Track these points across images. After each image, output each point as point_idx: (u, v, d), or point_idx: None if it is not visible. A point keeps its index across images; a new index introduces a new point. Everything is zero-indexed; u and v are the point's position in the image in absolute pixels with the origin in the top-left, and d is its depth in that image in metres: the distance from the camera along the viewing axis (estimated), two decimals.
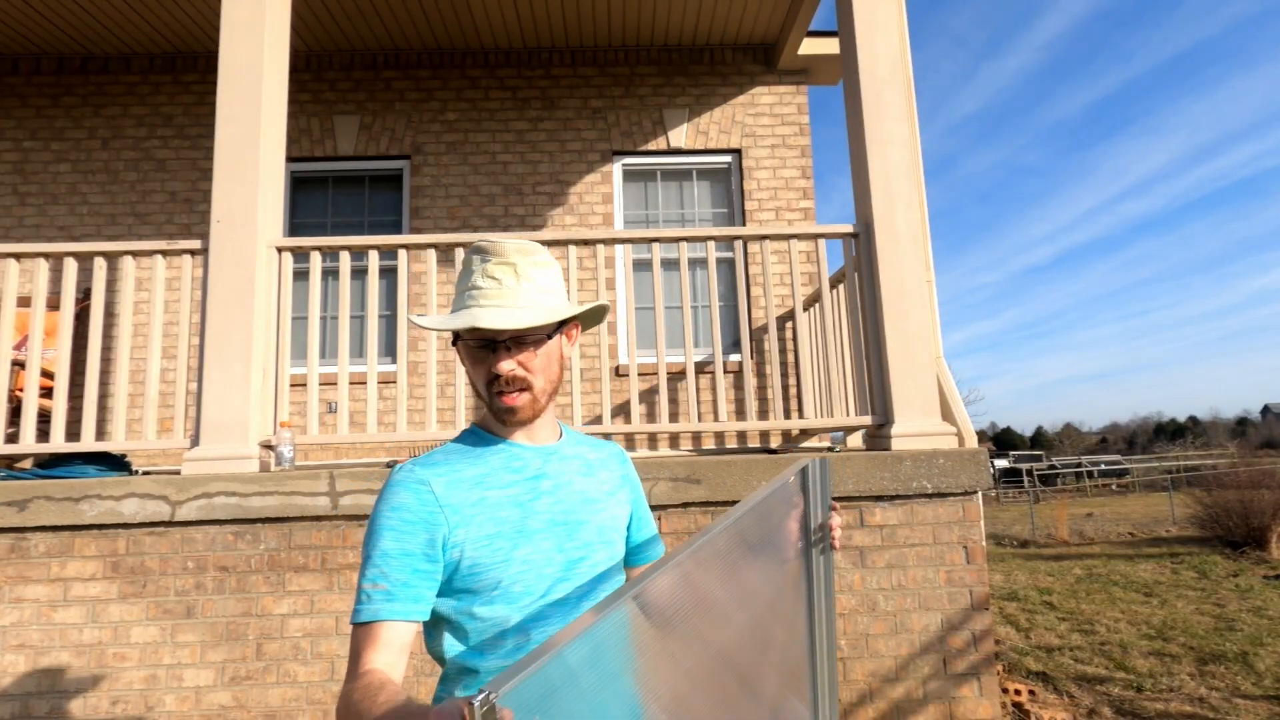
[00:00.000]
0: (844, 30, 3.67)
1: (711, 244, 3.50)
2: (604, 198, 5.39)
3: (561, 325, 1.09)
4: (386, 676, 0.90)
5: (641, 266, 5.36)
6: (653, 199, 5.56)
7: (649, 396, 5.07)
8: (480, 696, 0.59)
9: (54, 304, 4.51)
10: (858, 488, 2.99)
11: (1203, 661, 4.82)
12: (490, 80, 5.47)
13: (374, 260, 3.32)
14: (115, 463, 3.34)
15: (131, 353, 4.43)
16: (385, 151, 5.35)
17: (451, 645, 1.02)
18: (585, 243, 3.42)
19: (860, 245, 3.49)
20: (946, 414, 3.70)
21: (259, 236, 3.23)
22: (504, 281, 1.02)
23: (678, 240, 3.44)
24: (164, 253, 3.27)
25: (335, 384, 4.52)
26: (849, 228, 3.50)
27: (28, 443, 3.10)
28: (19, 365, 3.78)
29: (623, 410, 5.08)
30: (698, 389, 4.77)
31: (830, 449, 4.15)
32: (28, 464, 3.87)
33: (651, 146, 5.46)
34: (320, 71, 5.40)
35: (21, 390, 3.68)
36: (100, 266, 3.26)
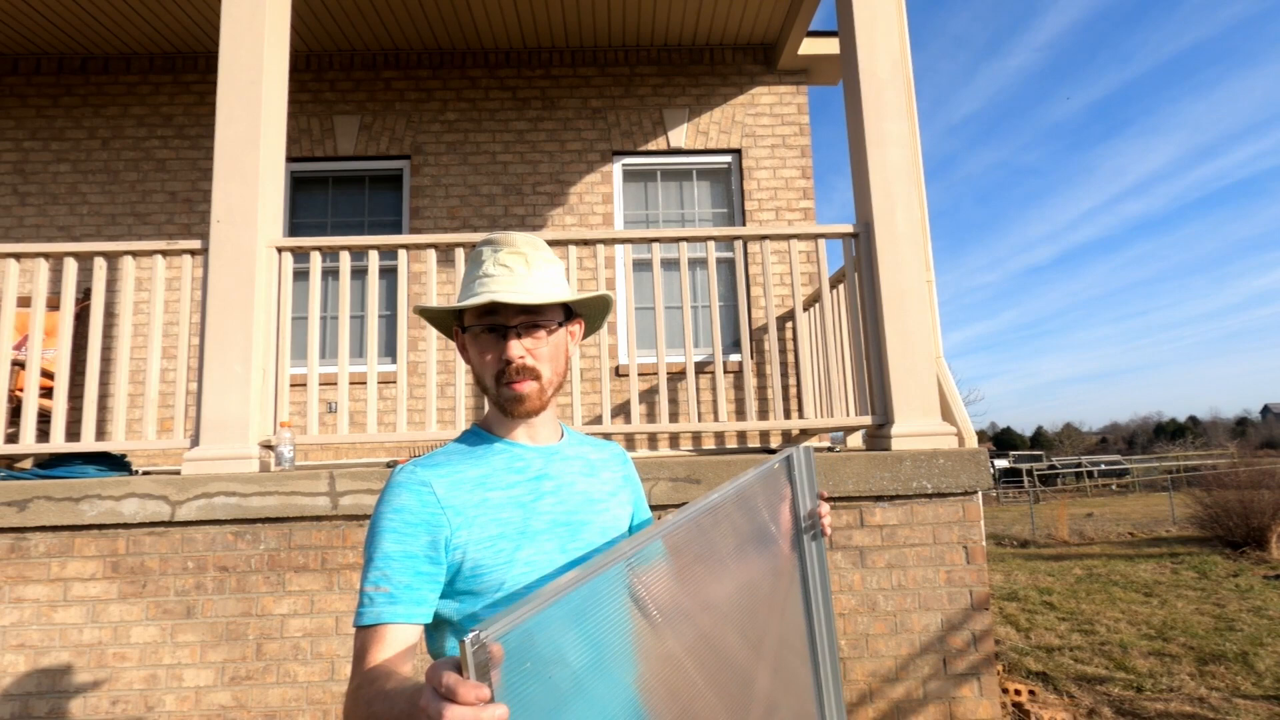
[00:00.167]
0: (844, 30, 3.67)
1: (711, 244, 3.50)
2: (604, 198, 5.39)
3: (568, 319, 1.11)
4: (392, 669, 0.90)
5: (641, 266, 5.36)
6: (653, 199, 5.56)
7: (649, 396, 5.07)
8: (472, 635, 0.60)
9: (54, 304, 4.51)
10: (858, 488, 2.99)
11: (1203, 661, 4.82)
12: (490, 80, 5.47)
13: (374, 260, 3.32)
14: (115, 463, 3.34)
15: (131, 353, 4.43)
16: (385, 151, 5.35)
17: (454, 647, 1.01)
18: (585, 243, 3.42)
19: (860, 245, 3.49)
20: (946, 414, 3.70)
21: (259, 236, 3.23)
22: (515, 269, 1.04)
23: (678, 240, 3.45)
24: (164, 253, 3.27)
25: (335, 384, 4.52)
26: (849, 228, 3.50)
27: (28, 443, 3.10)
28: (19, 365, 3.78)
29: (623, 410, 5.08)
30: (698, 389, 4.78)
31: (830, 449, 4.15)
32: (28, 464, 3.87)
33: (651, 146, 5.46)
34: (320, 71, 5.40)
35: (21, 390, 3.68)
36: (100, 266, 3.26)
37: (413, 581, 0.96)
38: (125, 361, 3.23)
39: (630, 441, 4.60)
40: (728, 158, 5.54)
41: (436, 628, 1.03)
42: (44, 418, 4.07)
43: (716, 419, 3.46)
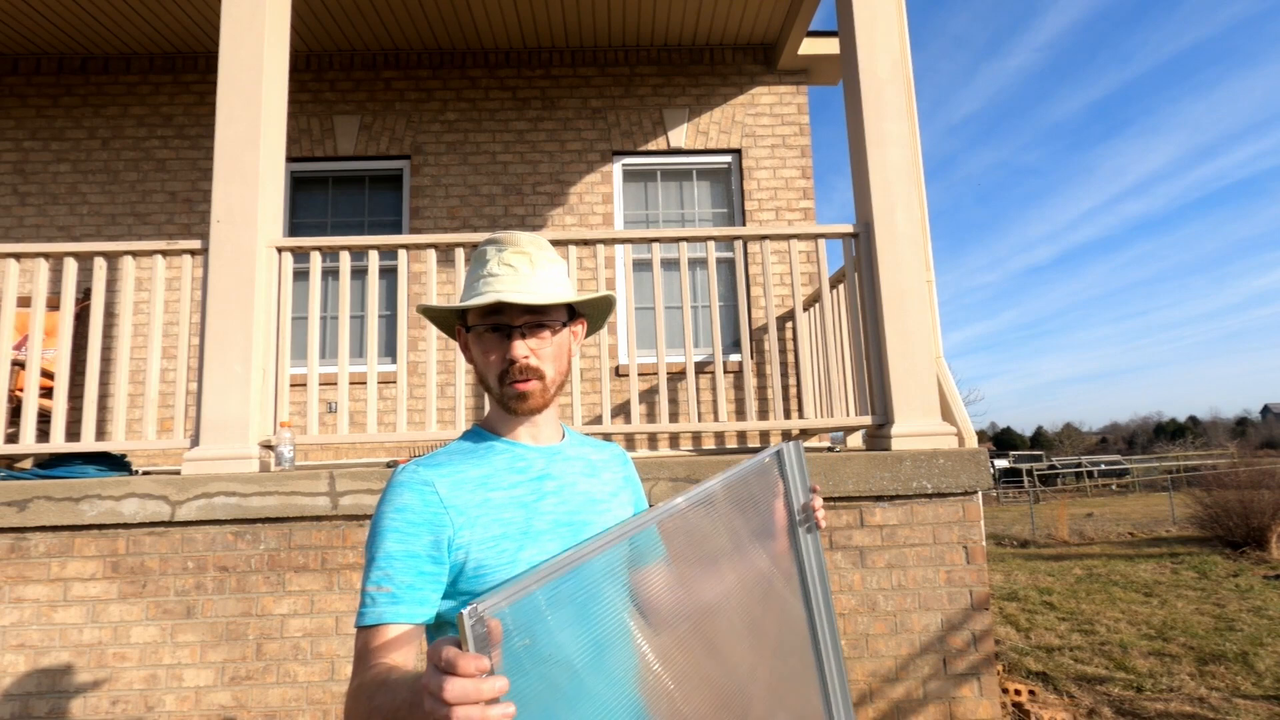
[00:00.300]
0: (844, 30, 3.67)
1: (711, 244, 3.50)
2: (604, 198, 5.39)
3: (571, 319, 1.11)
4: (395, 665, 0.90)
5: (641, 266, 5.36)
6: (653, 199, 5.56)
7: (649, 396, 5.07)
8: (469, 608, 0.60)
9: (54, 304, 4.51)
10: (858, 488, 2.99)
11: (1203, 661, 4.82)
12: (490, 80, 5.47)
13: (374, 260, 3.32)
14: (115, 463, 3.34)
15: (131, 353, 4.43)
16: (385, 151, 5.34)
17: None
18: (585, 243, 3.42)
19: (860, 245, 3.49)
20: (946, 414, 3.70)
21: (259, 236, 3.23)
22: (520, 269, 1.04)
23: (678, 240, 3.45)
24: (164, 253, 3.27)
25: (335, 384, 4.52)
26: (849, 228, 3.50)
27: (28, 443, 3.10)
28: (19, 365, 3.78)
29: (623, 410, 5.08)
30: (698, 389, 4.78)
31: (830, 449, 4.15)
32: (28, 464, 3.87)
33: (651, 146, 5.46)
34: (320, 71, 5.40)
35: (21, 390, 3.68)
36: (100, 266, 3.26)
37: (415, 581, 0.96)
38: (125, 361, 3.23)
39: (630, 441, 4.60)
40: (728, 158, 5.54)
41: (438, 628, 1.03)
42: (44, 418, 4.07)
43: (716, 419, 3.46)
